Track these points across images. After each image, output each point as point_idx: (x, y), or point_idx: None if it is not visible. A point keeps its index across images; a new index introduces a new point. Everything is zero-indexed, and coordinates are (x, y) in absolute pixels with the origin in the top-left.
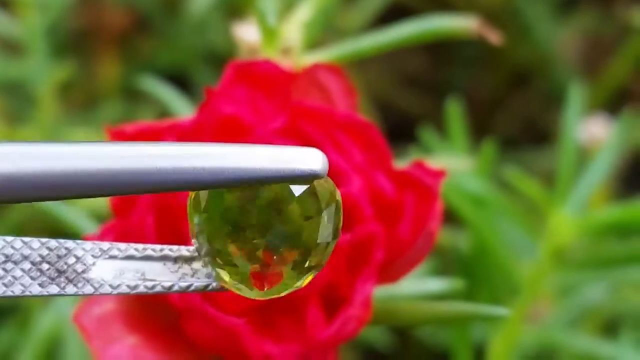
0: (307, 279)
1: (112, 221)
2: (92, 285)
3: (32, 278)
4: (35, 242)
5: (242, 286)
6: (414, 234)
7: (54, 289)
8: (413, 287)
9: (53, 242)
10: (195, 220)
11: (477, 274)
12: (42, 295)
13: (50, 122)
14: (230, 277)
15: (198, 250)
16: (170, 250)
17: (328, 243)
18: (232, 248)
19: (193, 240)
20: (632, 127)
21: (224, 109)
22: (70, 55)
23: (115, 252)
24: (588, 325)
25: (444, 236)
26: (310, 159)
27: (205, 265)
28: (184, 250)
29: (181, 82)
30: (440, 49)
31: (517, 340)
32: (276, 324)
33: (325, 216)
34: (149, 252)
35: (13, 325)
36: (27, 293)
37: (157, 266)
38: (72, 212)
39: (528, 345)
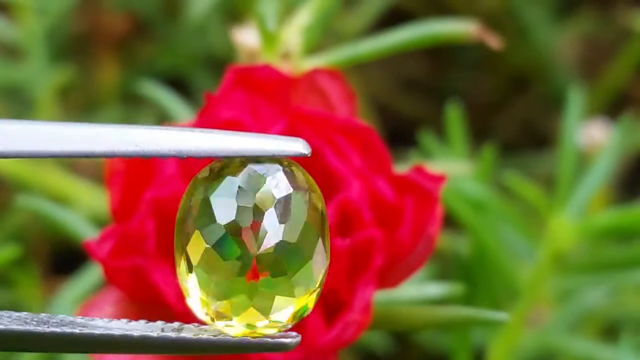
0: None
1: (112, 226)
2: (77, 328)
3: (14, 322)
4: (21, 314)
5: (232, 287)
6: (413, 238)
7: (37, 329)
8: (413, 292)
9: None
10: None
11: (476, 278)
12: (24, 332)
13: None
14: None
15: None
16: (156, 324)
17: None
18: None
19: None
20: (632, 131)
21: (223, 114)
22: (70, 60)
23: (98, 323)
24: (588, 330)
25: (443, 241)
26: (293, 141)
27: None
28: (170, 324)
29: (181, 86)
30: (439, 53)
31: (516, 345)
32: None
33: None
34: (133, 325)
35: None
36: (9, 328)
37: (144, 328)
38: (72, 216)
39: (528, 349)
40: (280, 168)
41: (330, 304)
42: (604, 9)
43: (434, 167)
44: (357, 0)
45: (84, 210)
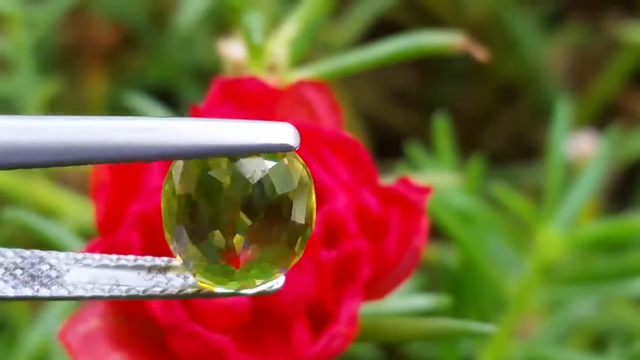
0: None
1: (98, 238)
2: (65, 288)
3: (5, 282)
4: (8, 251)
5: (217, 277)
6: (399, 250)
7: (27, 292)
8: (400, 304)
9: (27, 252)
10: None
11: (464, 290)
12: (17, 298)
13: None
14: (203, 256)
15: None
16: (144, 260)
17: (301, 224)
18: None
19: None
20: (620, 142)
21: None
22: (58, 72)
23: (89, 261)
24: (576, 341)
25: (431, 252)
26: (281, 132)
27: (180, 257)
28: (157, 261)
29: (169, 98)
30: (427, 64)
31: (504, 356)
32: (262, 341)
33: (297, 194)
34: (123, 262)
35: (0, 344)
36: (1, 295)
37: (131, 275)
38: (58, 229)
39: None
40: (265, 172)
41: (316, 316)
42: (592, 19)
43: (422, 178)
44: (345, 11)
45: (70, 223)
